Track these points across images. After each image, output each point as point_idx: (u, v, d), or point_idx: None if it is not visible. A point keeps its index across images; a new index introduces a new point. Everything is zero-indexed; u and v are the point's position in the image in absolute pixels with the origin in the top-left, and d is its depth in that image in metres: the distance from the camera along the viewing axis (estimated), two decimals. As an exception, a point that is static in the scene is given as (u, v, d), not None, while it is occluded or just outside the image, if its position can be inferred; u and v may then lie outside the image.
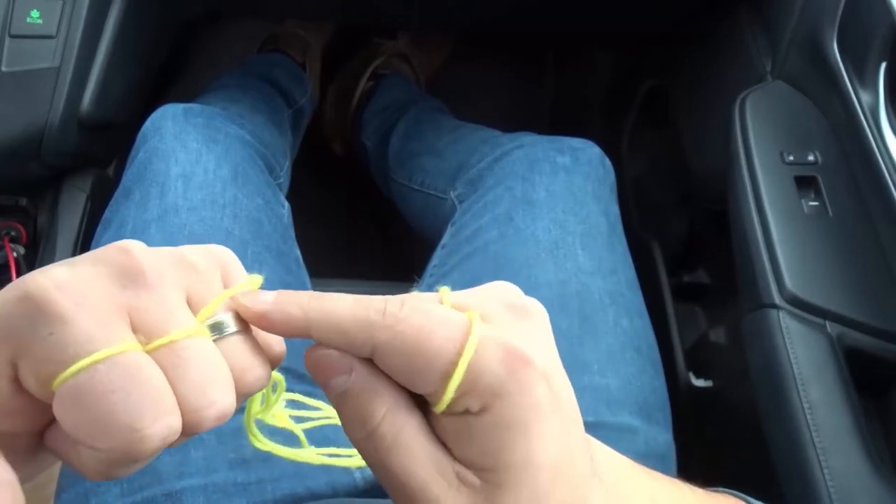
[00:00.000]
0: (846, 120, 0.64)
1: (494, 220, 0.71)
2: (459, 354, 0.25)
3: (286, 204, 0.78)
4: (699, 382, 0.89)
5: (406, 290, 0.30)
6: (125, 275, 0.24)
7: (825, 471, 0.55)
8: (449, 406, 0.26)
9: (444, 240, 0.76)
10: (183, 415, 0.24)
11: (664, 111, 1.00)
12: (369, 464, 0.28)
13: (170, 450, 0.29)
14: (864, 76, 0.63)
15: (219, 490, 0.52)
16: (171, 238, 0.63)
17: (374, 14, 1.02)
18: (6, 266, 0.74)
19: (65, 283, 0.23)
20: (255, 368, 0.27)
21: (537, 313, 0.29)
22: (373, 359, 0.26)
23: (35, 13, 0.70)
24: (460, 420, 0.26)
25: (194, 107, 0.74)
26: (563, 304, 0.62)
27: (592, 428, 0.56)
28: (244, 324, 0.27)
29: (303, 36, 1.20)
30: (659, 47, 1.05)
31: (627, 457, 0.34)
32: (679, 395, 0.88)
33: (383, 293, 0.28)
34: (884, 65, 0.62)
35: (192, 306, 0.26)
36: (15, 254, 0.74)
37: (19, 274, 0.73)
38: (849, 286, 0.61)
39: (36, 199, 0.78)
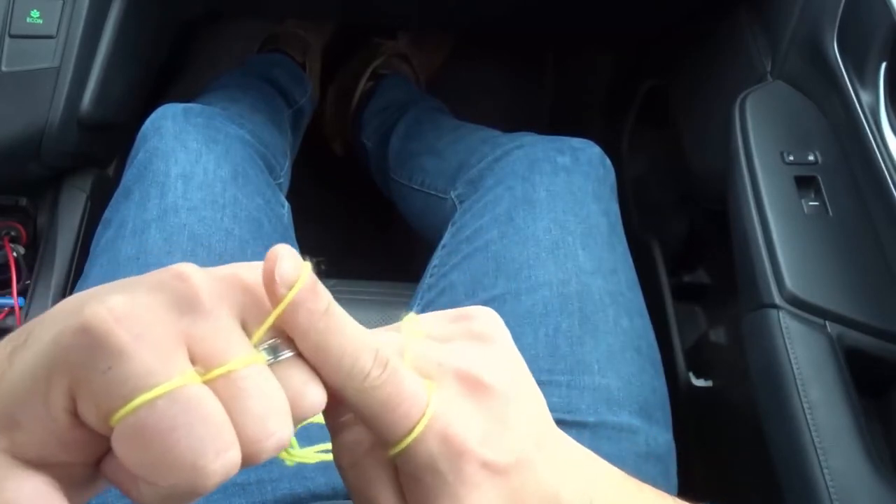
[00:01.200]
0: (846, 120, 0.64)
1: (495, 219, 0.71)
2: (410, 431, 0.28)
3: (286, 204, 0.78)
4: (699, 382, 0.89)
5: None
6: (183, 302, 0.24)
7: (825, 471, 0.55)
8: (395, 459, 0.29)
9: (444, 240, 0.76)
10: (242, 447, 0.23)
11: (664, 111, 1.00)
12: (348, 486, 0.31)
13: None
14: (864, 76, 0.63)
15: (218, 490, 0.52)
16: (171, 238, 0.63)
17: (374, 14, 1.02)
18: (6, 266, 0.74)
19: (124, 314, 0.22)
20: (309, 393, 0.26)
21: (498, 392, 0.30)
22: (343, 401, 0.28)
23: (35, 13, 0.70)
24: (410, 476, 0.29)
25: (194, 107, 0.73)
26: (563, 303, 0.62)
27: (593, 428, 0.56)
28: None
29: (303, 36, 1.20)
30: (659, 47, 1.05)
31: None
32: (679, 395, 0.88)
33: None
34: (884, 65, 0.62)
35: (248, 329, 0.26)
36: (15, 254, 0.74)
37: (19, 274, 0.73)
38: (849, 286, 0.61)
39: (36, 199, 0.78)
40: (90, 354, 0.22)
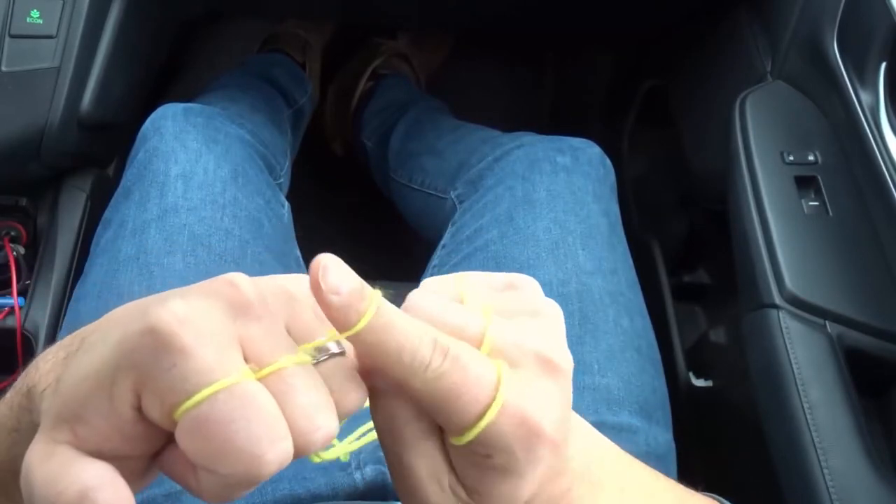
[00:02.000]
0: (846, 120, 0.64)
1: (495, 219, 0.71)
2: (481, 416, 0.27)
3: (286, 204, 0.78)
4: (699, 382, 0.89)
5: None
6: (235, 307, 0.26)
7: (825, 471, 0.55)
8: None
9: (444, 240, 0.76)
10: (293, 439, 0.25)
11: (664, 111, 1.00)
12: (384, 449, 0.30)
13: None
14: (864, 76, 0.63)
15: (219, 490, 0.52)
16: (171, 238, 0.63)
17: (374, 14, 1.02)
18: (6, 266, 0.74)
19: (185, 317, 0.24)
20: (352, 391, 0.28)
21: (566, 371, 0.30)
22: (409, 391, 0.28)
23: (35, 13, 0.70)
24: (467, 450, 0.28)
25: (194, 107, 0.73)
26: (563, 303, 0.62)
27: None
28: (341, 347, 0.29)
29: (303, 36, 1.20)
30: (659, 47, 1.05)
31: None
32: (679, 395, 0.88)
33: (383, 293, 0.28)
34: (884, 65, 0.62)
35: (293, 333, 0.27)
36: (15, 254, 0.74)
37: (19, 274, 0.73)
38: (849, 286, 0.61)
39: (36, 199, 0.78)
40: (156, 354, 0.24)
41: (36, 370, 0.29)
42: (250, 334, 0.26)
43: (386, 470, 0.53)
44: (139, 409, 0.25)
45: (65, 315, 0.70)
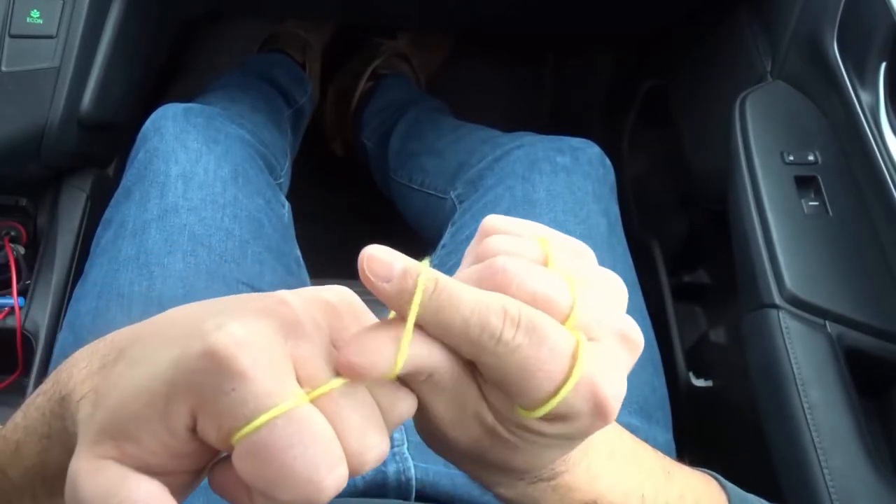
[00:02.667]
0: (846, 120, 0.64)
1: (494, 220, 0.71)
2: (555, 393, 0.26)
3: (286, 204, 0.78)
4: (699, 382, 0.89)
5: None
6: (287, 327, 0.26)
7: (825, 471, 0.55)
8: None
9: (444, 240, 0.76)
10: (347, 460, 0.25)
11: (664, 111, 1.00)
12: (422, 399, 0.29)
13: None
14: (864, 76, 0.63)
15: (219, 490, 0.52)
16: (172, 238, 0.63)
17: (375, 14, 1.02)
18: (6, 266, 0.74)
19: (244, 340, 0.24)
20: (400, 402, 0.27)
21: (639, 348, 0.29)
22: (480, 366, 0.27)
23: (35, 13, 0.70)
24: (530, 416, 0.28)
25: (194, 107, 0.73)
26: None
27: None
28: None
29: (303, 36, 1.20)
30: (659, 47, 1.05)
31: None
32: (679, 395, 0.88)
33: (430, 263, 0.27)
34: (884, 65, 0.62)
35: (338, 347, 0.27)
36: (15, 254, 0.74)
37: (19, 274, 0.73)
38: (849, 286, 0.61)
39: (36, 199, 0.78)
40: (216, 377, 0.24)
41: (69, 378, 0.29)
42: (302, 354, 0.26)
43: (385, 469, 0.53)
44: (193, 430, 0.25)
45: (65, 315, 0.70)
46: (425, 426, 0.30)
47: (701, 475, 0.40)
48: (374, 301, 0.28)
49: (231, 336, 0.24)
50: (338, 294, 0.28)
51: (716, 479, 0.41)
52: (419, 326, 0.26)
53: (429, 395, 0.28)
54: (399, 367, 0.26)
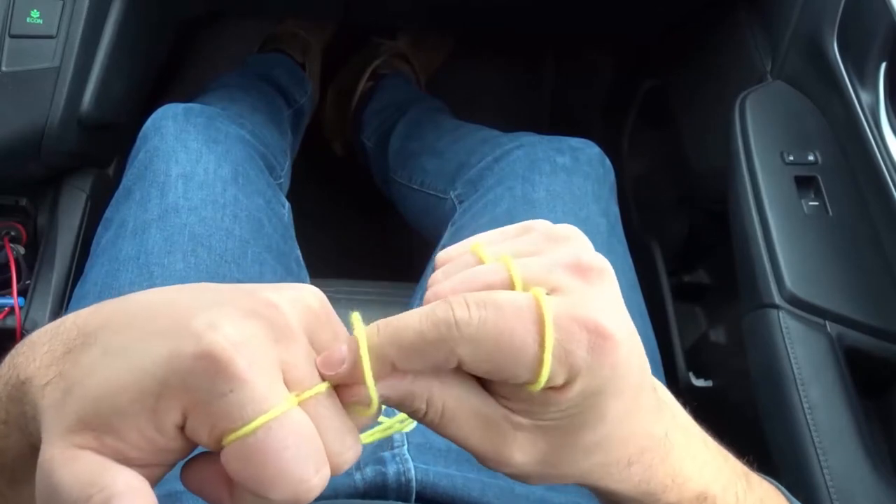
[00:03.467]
0: (846, 120, 0.64)
1: (494, 220, 0.71)
2: (542, 345, 0.26)
3: (287, 204, 0.78)
4: (699, 382, 0.89)
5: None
6: (277, 330, 0.26)
7: (825, 471, 0.55)
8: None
9: (444, 240, 0.76)
10: (329, 460, 0.26)
11: (664, 111, 1.00)
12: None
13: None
14: (864, 76, 0.63)
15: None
16: (172, 238, 0.63)
17: (375, 14, 1.02)
18: (6, 266, 0.74)
19: (240, 342, 0.25)
20: (369, 409, 0.28)
21: (602, 267, 0.29)
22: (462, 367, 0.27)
23: (35, 13, 0.70)
24: (545, 395, 0.27)
25: (195, 107, 0.73)
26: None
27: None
28: None
29: (303, 36, 1.20)
30: (659, 47, 1.05)
31: None
32: (679, 395, 0.88)
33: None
34: (884, 65, 0.62)
35: (314, 346, 0.28)
36: (15, 254, 0.74)
37: (19, 274, 0.73)
38: (849, 286, 0.61)
39: (36, 199, 0.78)
40: (212, 379, 0.24)
41: (29, 361, 0.28)
42: (290, 359, 0.26)
43: (385, 470, 0.53)
44: (181, 428, 0.25)
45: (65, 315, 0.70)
46: (512, 473, 0.30)
47: (770, 485, 0.40)
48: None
49: (227, 338, 0.24)
50: (316, 297, 0.29)
51: (781, 491, 0.40)
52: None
53: (457, 433, 0.28)
54: (374, 402, 0.27)
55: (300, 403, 0.26)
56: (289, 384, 0.26)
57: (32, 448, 0.27)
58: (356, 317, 0.28)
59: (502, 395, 0.28)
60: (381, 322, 0.27)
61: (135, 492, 0.24)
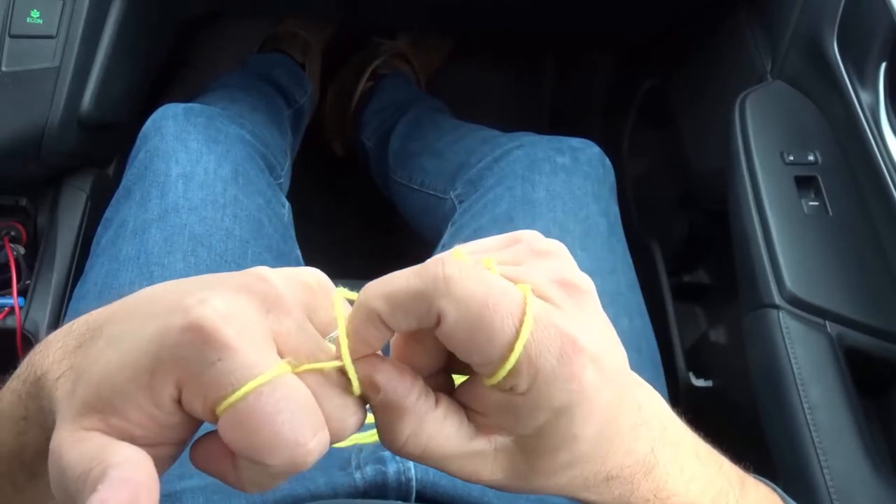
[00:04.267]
0: (846, 120, 0.64)
1: (494, 220, 0.71)
2: (517, 335, 0.26)
3: (287, 204, 0.78)
4: (699, 382, 0.89)
5: None
6: (268, 302, 0.27)
7: (825, 471, 0.55)
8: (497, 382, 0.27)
9: (444, 240, 0.76)
10: (328, 425, 0.26)
11: (664, 111, 1.00)
12: (407, 458, 0.29)
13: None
14: (864, 76, 0.63)
15: (219, 490, 0.52)
16: (172, 238, 0.63)
17: (375, 14, 1.02)
18: (6, 266, 0.74)
19: (227, 313, 0.25)
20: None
21: (587, 289, 0.29)
22: (435, 330, 0.27)
23: (35, 13, 0.70)
24: (504, 395, 0.27)
25: (195, 107, 0.73)
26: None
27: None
28: None
29: (303, 36, 1.20)
30: (659, 47, 1.05)
31: None
32: (679, 395, 0.88)
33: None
34: (884, 65, 0.62)
35: (314, 325, 0.28)
36: (15, 254, 0.74)
37: (19, 274, 0.73)
38: (849, 286, 0.61)
39: (36, 199, 0.78)
40: (201, 350, 0.25)
41: (44, 358, 0.30)
42: (283, 328, 0.27)
43: (385, 469, 0.53)
44: (178, 402, 0.26)
45: (65, 315, 0.70)
46: (484, 484, 0.30)
47: (766, 488, 0.39)
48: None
49: (214, 310, 0.25)
50: (313, 275, 0.29)
51: (777, 492, 0.39)
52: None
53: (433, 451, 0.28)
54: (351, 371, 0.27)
55: (299, 374, 0.26)
56: (283, 354, 0.26)
57: (50, 442, 0.27)
58: (337, 293, 0.28)
59: (474, 409, 0.29)
60: (371, 281, 0.27)
61: (132, 462, 0.25)
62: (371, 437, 0.33)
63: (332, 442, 0.26)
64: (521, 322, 0.26)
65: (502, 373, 0.26)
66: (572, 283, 0.29)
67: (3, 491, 0.32)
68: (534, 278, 0.28)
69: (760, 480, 0.39)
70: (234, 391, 0.24)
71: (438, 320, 0.26)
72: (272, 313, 0.27)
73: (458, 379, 0.30)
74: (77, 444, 0.25)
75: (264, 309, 0.26)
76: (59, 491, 0.25)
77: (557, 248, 0.30)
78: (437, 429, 0.28)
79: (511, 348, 0.26)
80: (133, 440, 0.26)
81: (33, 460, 0.31)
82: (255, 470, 0.26)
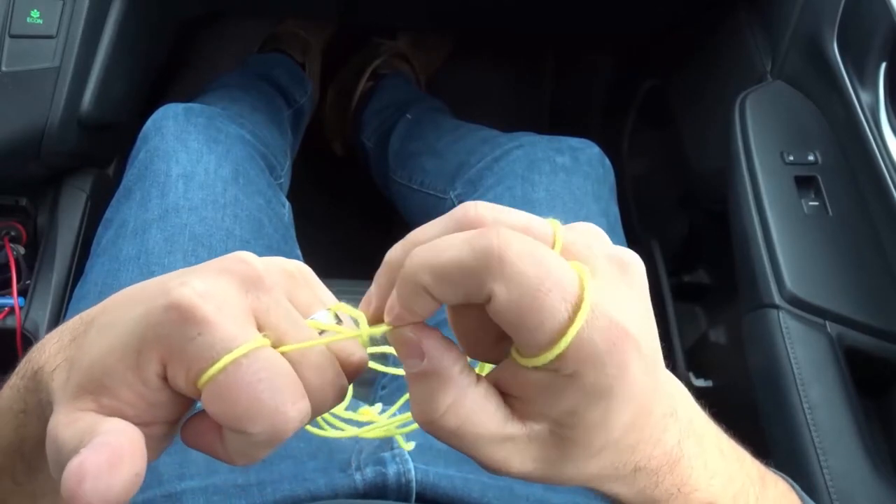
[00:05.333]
0: (846, 120, 0.64)
1: (494, 219, 0.71)
2: (571, 321, 0.25)
3: (287, 203, 0.78)
4: (699, 382, 0.89)
5: None
6: (247, 281, 0.28)
7: (825, 471, 0.55)
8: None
9: (444, 240, 0.76)
10: (310, 396, 0.27)
11: (664, 111, 1.00)
12: (437, 436, 0.29)
13: (170, 451, 0.31)
14: (864, 76, 0.63)
15: (219, 492, 0.52)
16: (172, 238, 0.63)
17: (375, 14, 1.02)
18: (6, 266, 0.74)
19: (205, 291, 0.26)
20: (354, 354, 0.29)
21: (636, 266, 0.29)
22: (486, 306, 0.26)
23: (35, 13, 0.70)
24: (545, 376, 0.26)
25: (195, 107, 0.73)
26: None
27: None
28: (338, 319, 0.30)
29: (303, 36, 1.20)
30: (659, 47, 1.05)
31: None
32: (680, 395, 0.88)
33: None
34: (884, 65, 0.62)
35: (294, 306, 0.29)
36: (15, 254, 0.74)
37: (19, 274, 0.73)
38: (849, 286, 0.61)
39: (36, 199, 0.78)
40: (181, 325, 0.26)
41: (41, 353, 0.31)
42: (261, 306, 0.28)
43: (385, 471, 0.53)
44: (164, 379, 0.27)
45: (65, 315, 0.70)
46: (511, 475, 0.29)
47: (784, 485, 0.39)
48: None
49: (194, 289, 0.26)
50: (295, 265, 0.31)
51: (795, 489, 0.39)
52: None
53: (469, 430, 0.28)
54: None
55: (280, 350, 0.27)
56: (263, 328, 0.27)
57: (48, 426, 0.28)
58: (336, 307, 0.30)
59: (511, 393, 0.28)
60: (418, 248, 0.27)
61: (117, 430, 0.26)
62: (371, 431, 0.33)
63: (316, 410, 0.27)
64: (575, 309, 0.25)
65: (550, 356, 0.25)
66: (622, 259, 0.28)
67: (3, 485, 0.33)
68: (590, 249, 0.27)
69: (779, 475, 0.39)
70: (213, 363, 0.25)
71: (489, 298, 0.25)
72: (251, 292, 0.28)
73: (485, 368, 0.30)
74: (71, 424, 0.26)
75: (244, 288, 0.27)
76: (56, 469, 0.26)
77: (601, 232, 0.30)
78: (479, 405, 0.27)
79: (563, 334, 0.25)
80: (125, 419, 0.27)
81: (32, 453, 0.32)
82: (240, 440, 0.26)
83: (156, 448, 0.28)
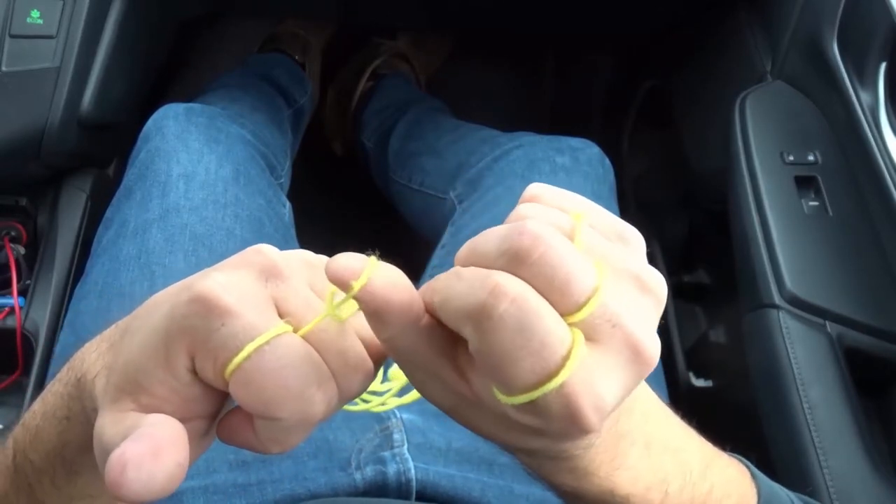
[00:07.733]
0: (846, 120, 0.64)
1: (494, 220, 0.71)
2: (535, 387, 0.25)
3: (287, 203, 0.78)
4: (699, 382, 0.89)
5: None
6: (266, 272, 0.29)
7: (825, 471, 0.55)
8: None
9: (444, 240, 0.76)
10: (336, 380, 0.28)
11: (664, 111, 1.00)
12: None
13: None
14: (864, 76, 0.63)
15: (219, 491, 0.52)
16: (173, 238, 0.63)
17: (375, 14, 1.02)
18: (6, 266, 0.74)
19: (226, 283, 0.27)
20: (380, 332, 0.29)
21: (646, 365, 0.29)
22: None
23: (35, 13, 0.70)
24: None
25: (196, 106, 0.73)
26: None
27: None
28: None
29: (303, 36, 1.20)
30: (659, 47, 1.05)
31: None
32: (679, 395, 0.88)
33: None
34: (884, 65, 0.62)
35: (315, 293, 0.30)
36: (15, 254, 0.74)
37: (19, 274, 0.73)
38: (849, 286, 0.61)
39: (36, 199, 0.78)
40: (205, 317, 0.27)
41: (83, 362, 0.32)
42: (281, 294, 0.28)
43: (385, 470, 0.53)
44: (194, 372, 0.28)
45: (65, 315, 0.70)
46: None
47: (738, 466, 0.39)
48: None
49: (215, 281, 0.27)
50: (317, 256, 0.31)
51: (748, 468, 0.39)
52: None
53: (401, 362, 0.29)
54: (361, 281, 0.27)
55: (302, 334, 0.27)
56: (285, 316, 0.28)
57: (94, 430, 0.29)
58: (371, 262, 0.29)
59: (475, 384, 0.28)
60: (439, 280, 0.28)
61: (158, 423, 0.27)
62: (378, 404, 0.34)
63: (344, 395, 0.28)
64: (548, 378, 0.25)
65: (508, 402, 0.26)
66: (649, 284, 0.29)
67: (42, 486, 0.35)
68: (610, 327, 0.27)
69: (734, 458, 0.39)
70: (238, 352, 0.26)
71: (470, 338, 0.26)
72: (271, 281, 0.28)
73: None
74: (115, 424, 0.27)
75: (263, 277, 0.28)
76: (104, 467, 0.26)
77: (635, 236, 0.31)
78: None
79: (526, 392, 0.25)
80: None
81: (74, 458, 0.33)
82: (271, 427, 0.27)
83: (197, 444, 0.29)
